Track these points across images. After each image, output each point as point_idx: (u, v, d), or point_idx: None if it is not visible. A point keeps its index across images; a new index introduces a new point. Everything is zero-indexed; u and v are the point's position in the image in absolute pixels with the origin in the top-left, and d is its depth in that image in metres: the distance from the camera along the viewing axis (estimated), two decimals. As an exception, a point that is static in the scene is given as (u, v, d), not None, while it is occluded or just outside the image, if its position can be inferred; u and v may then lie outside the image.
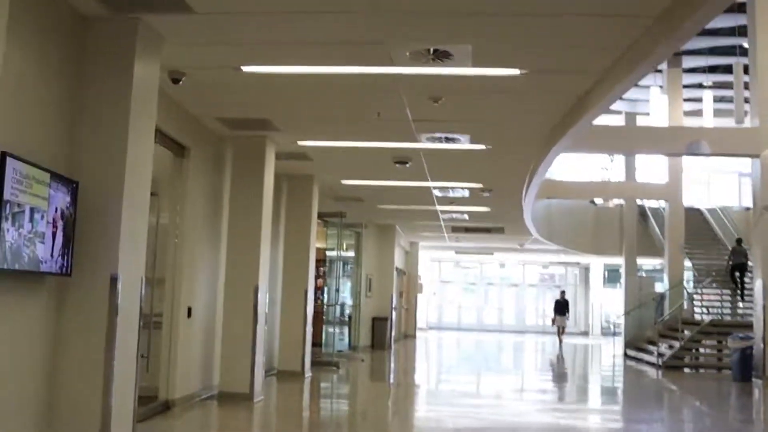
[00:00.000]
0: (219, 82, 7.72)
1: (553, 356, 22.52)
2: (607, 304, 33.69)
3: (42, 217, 4.94)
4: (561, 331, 26.88)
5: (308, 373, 12.66)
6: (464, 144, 9.89)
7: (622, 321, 23.06)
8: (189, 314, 8.95)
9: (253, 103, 8.55)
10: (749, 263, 18.54)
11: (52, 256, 5.09)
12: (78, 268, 5.41)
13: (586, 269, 35.79)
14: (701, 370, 18.09)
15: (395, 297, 23.39)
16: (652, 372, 17.37)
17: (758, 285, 15.10)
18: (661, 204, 22.43)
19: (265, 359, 10.72)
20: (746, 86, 16.21)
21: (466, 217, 18.27)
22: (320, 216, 14.30)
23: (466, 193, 14.34)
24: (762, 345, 14.59)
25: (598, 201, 24.28)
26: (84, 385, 5.47)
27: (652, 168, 23.97)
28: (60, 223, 5.17)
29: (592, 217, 23.62)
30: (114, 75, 5.74)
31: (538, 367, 20.36)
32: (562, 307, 27.29)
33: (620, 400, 13.34)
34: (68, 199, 5.28)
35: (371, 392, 13.25)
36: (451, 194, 14.51)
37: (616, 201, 23.66)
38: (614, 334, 26.42)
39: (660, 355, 18.07)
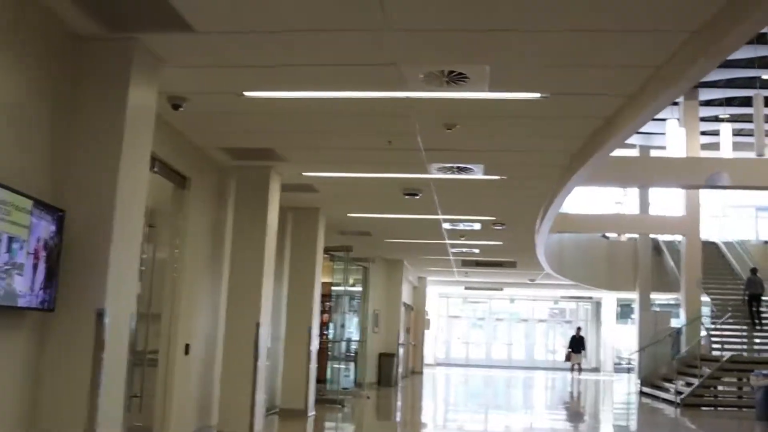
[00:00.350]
0: (221, 108, 7.34)
1: (565, 393, 21.94)
2: (620, 339, 33.09)
3: (21, 247, 4.52)
4: (578, 368, 26.30)
5: (312, 412, 12.21)
6: (477, 174, 9.49)
7: (635, 357, 22.51)
8: (187, 351, 8.51)
9: (257, 131, 8.18)
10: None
11: (32, 289, 4.66)
12: (62, 302, 4.98)
13: (597, 304, 35.21)
14: (720, 408, 17.49)
15: (402, 332, 22.92)
16: (669, 410, 16.82)
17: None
18: (676, 237, 21.98)
19: (266, 397, 10.30)
20: (767, 119, 15.84)
21: (476, 251, 17.85)
22: (326, 250, 13.96)
23: (477, 227, 13.94)
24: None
25: (611, 235, 23.84)
26: (67, 426, 5.02)
27: (665, 202, 23.59)
28: (42, 255, 4.74)
29: (604, 252, 23.18)
30: (107, 98, 5.37)
31: (549, 404, 19.78)
32: (577, 343, 26.72)
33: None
34: (53, 228, 4.86)
35: (377, 431, 12.75)
36: (461, 227, 14.11)
37: (629, 235, 23.23)
38: (627, 370, 25.87)
39: (678, 392, 17.50)
